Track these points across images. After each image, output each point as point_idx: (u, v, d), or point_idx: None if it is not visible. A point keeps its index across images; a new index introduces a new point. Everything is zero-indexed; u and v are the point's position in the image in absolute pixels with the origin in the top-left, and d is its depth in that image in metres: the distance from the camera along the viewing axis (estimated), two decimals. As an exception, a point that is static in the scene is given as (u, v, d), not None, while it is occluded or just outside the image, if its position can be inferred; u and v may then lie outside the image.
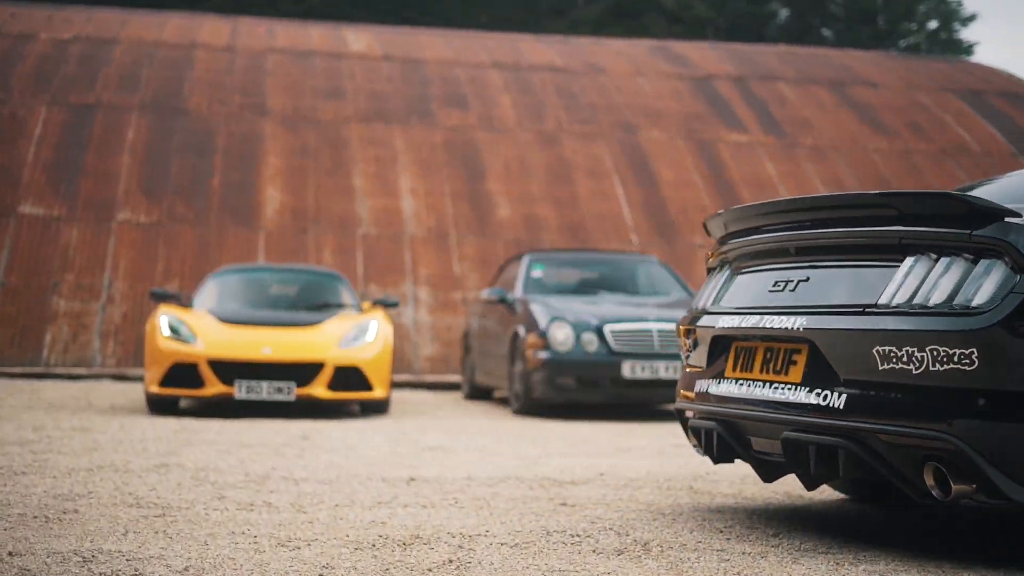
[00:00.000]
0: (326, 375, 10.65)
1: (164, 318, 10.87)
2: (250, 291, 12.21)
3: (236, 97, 20.29)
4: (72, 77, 20.26)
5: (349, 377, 10.73)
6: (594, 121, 21.00)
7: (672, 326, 11.05)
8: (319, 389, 10.60)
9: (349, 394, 10.71)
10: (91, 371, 15.70)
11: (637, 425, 10.43)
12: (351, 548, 4.34)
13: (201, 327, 10.85)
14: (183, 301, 11.89)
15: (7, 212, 17.59)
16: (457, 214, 18.53)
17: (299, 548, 4.31)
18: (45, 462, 6.70)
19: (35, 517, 4.85)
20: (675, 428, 10.06)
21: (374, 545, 4.40)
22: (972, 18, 48.85)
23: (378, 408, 11.05)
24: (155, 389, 10.55)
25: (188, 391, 10.55)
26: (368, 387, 10.81)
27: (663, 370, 10.97)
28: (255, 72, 21.09)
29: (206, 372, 10.51)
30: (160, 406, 10.75)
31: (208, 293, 12.03)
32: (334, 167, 19.04)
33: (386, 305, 12.25)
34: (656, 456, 7.82)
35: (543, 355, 11.11)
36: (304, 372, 10.61)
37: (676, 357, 10.97)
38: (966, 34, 40.35)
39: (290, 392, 10.51)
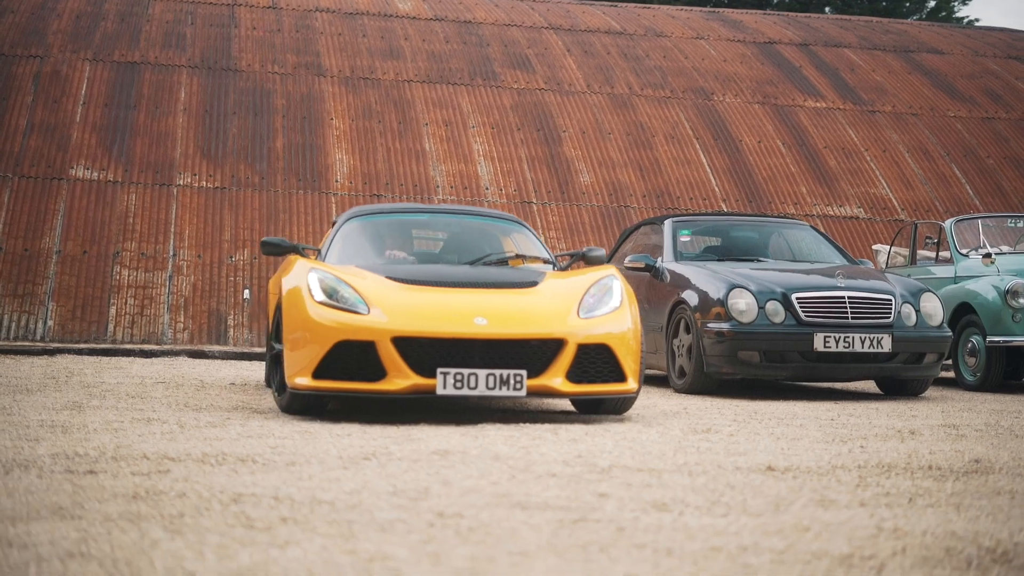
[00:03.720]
0: (566, 358, 6.91)
1: (314, 275, 7.14)
2: (403, 241, 8.74)
3: (290, 57, 19.06)
4: (113, 34, 18.95)
5: (594, 361, 7.05)
6: (666, 85, 19.94)
7: (865, 294, 9.98)
8: (557, 379, 6.86)
9: (595, 386, 7.04)
10: (162, 347, 14.46)
11: (841, 404, 9.38)
12: None
13: (370, 289, 7.10)
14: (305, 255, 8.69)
15: (58, 175, 16.29)
16: (537, 180, 17.43)
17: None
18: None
19: None
20: (885, 403, 9.05)
21: None
22: (974, -6, 48.05)
23: (616, 407, 7.53)
24: (305, 381, 6.83)
25: (361, 385, 6.77)
26: (620, 376, 7.09)
27: (858, 342, 9.89)
28: (305, 31, 19.85)
29: (391, 356, 6.72)
30: (304, 406, 7.17)
31: (345, 243, 8.43)
32: (402, 130, 17.87)
33: (593, 260, 8.48)
34: (976, 436, 6.78)
35: (723, 326, 9.99)
36: (535, 354, 6.90)
37: (871, 328, 9.90)
38: (966, 11, 39.75)
39: (520, 384, 6.76)
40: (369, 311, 6.90)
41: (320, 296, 7.02)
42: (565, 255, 8.76)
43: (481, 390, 6.72)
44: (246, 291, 15.33)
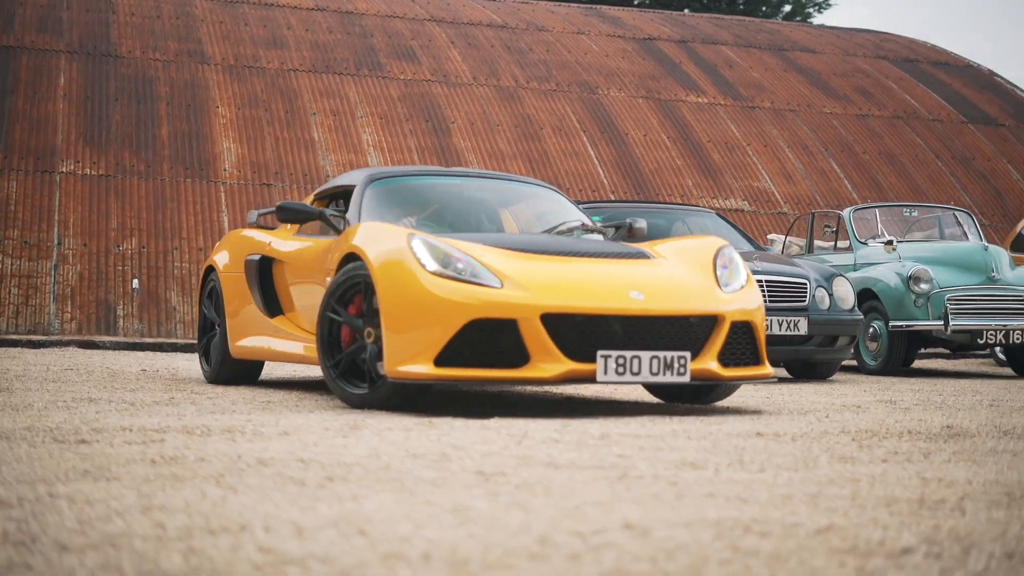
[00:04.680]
0: (720, 338, 6.07)
1: (419, 241, 5.90)
2: (443, 205, 7.46)
3: (171, 43, 18.65)
4: (-15, 17, 18.32)
5: (739, 341, 6.25)
6: (551, 78, 20.02)
7: (781, 277, 10.14)
8: (712, 362, 6.01)
9: (741, 370, 6.20)
10: (50, 337, 14.02)
11: (763, 388, 9.55)
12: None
13: (491, 259, 6.00)
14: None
15: (-67, 161, 15.69)
16: (427, 171, 17.34)
17: None
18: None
19: None
20: (805, 384, 9.20)
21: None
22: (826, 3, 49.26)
23: (714, 396, 6.78)
24: (424, 368, 5.64)
25: (499, 372, 5.68)
26: (758, 358, 6.33)
27: (776, 325, 10.04)
28: (185, 18, 19.45)
29: (538, 337, 5.64)
30: (404, 400, 6.03)
31: (377, 209, 7.09)
32: (290, 119, 17.63)
33: (637, 232, 7.62)
34: (921, 409, 6.93)
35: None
36: (693, 334, 6.02)
37: (787, 311, 10.06)
38: (821, 19, 40.35)
39: (684, 369, 5.87)
40: (503, 284, 5.76)
41: (433, 266, 5.79)
42: (610, 226, 7.64)
43: (644, 375, 5.78)
44: (135, 281, 14.95)
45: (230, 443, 4.39)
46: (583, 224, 7.31)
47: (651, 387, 6.85)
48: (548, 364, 5.62)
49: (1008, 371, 12.65)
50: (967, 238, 12.62)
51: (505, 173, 8.08)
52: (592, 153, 18.40)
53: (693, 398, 6.82)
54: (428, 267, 5.79)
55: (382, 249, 5.98)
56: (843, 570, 2.36)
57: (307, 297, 7.27)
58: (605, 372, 5.68)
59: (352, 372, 6.18)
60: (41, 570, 2.22)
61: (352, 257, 6.19)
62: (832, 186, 19.02)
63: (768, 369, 6.35)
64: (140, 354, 12.85)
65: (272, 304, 7.76)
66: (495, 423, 5.41)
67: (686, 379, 5.87)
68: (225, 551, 2.41)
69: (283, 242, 7.78)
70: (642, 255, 6.46)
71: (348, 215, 7.09)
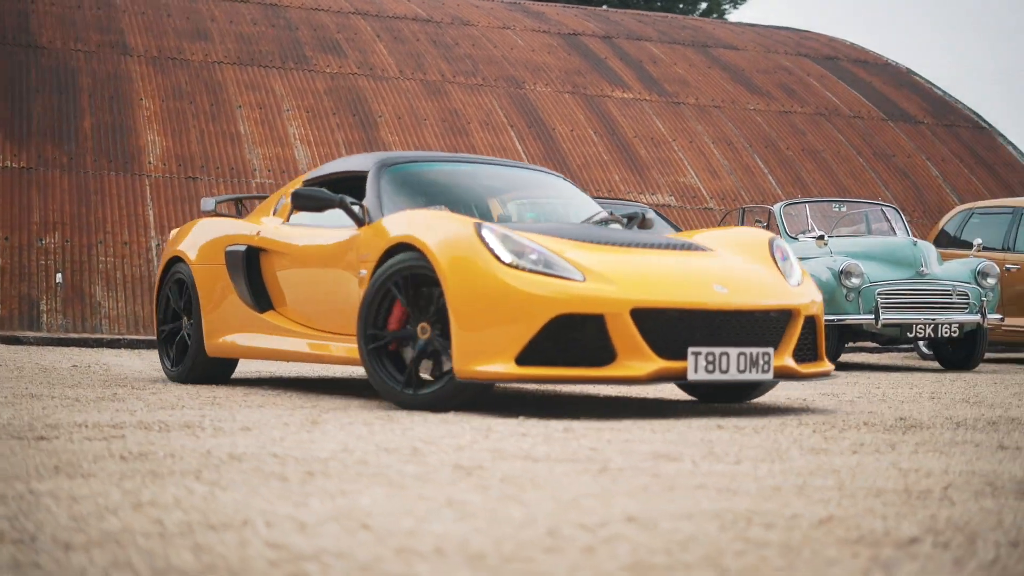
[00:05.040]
0: (794, 333, 5.88)
1: (488, 231, 5.51)
2: (463, 193, 6.98)
3: (93, 34, 18.34)
4: (-100, 5, 17.90)
5: (806, 336, 6.08)
6: (477, 73, 19.98)
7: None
8: (789, 358, 5.84)
9: (809, 366, 6.03)
10: (-29, 332, 13.74)
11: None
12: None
13: (565, 251, 5.65)
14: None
15: None
16: (355, 165, 17.23)
17: None
18: None
19: None
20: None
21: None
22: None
23: (754, 394, 6.54)
24: (505, 368, 5.28)
25: (585, 371, 5.33)
26: (816, 353, 6.17)
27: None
28: (107, 9, 19.13)
29: (627, 333, 5.32)
30: (471, 399, 5.69)
31: (400, 196, 6.67)
32: (215, 112, 17.41)
33: (648, 222, 7.41)
34: (867, 403, 6.99)
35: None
36: (773, 329, 5.81)
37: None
38: (737, 15, 40.52)
39: (767, 366, 5.66)
40: (585, 277, 5.42)
41: (508, 257, 5.41)
42: (623, 216, 7.25)
43: (732, 373, 5.52)
44: (58, 275, 14.69)
45: (193, 439, 4.31)
46: (611, 214, 7.04)
47: (689, 385, 6.43)
48: (637, 362, 5.31)
49: (934, 364, 12.84)
50: (894, 233, 12.79)
51: (506, 159, 7.82)
52: (520, 148, 18.40)
53: (730, 397, 6.54)
54: (503, 258, 5.41)
55: (445, 239, 5.54)
56: (857, 560, 2.36)
57: (315, 291, 6.72)
58: (695, 370, 5.42)
59: (397, 365, 5.78)
60: (51, 569, 2.16)
61: (404, 247, 5.72)
62: (757, 182, 19.19)
63: (829, 365, 6.15)
64: (66, 350, 12.62)
65: (261, 298, 7.20)
66: (455, 417, 5.37)
67: (769, 376, 5.66)
68: (233, 547, 2.35)
69: (277, 232, 7.14)
70: (699, 247, 6.16)
71: (366, 203, 6.57)
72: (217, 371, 7.73)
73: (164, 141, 16.68)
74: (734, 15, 43.93)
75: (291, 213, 7.27)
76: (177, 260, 7.90)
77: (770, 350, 5.63)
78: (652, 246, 5.97)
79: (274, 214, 7.47)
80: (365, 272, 6.02)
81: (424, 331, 5.64)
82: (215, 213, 8.23)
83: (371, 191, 6.66)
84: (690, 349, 5.41)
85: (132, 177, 16.05)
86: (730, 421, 5.39)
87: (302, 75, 18.62)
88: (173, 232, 8.32)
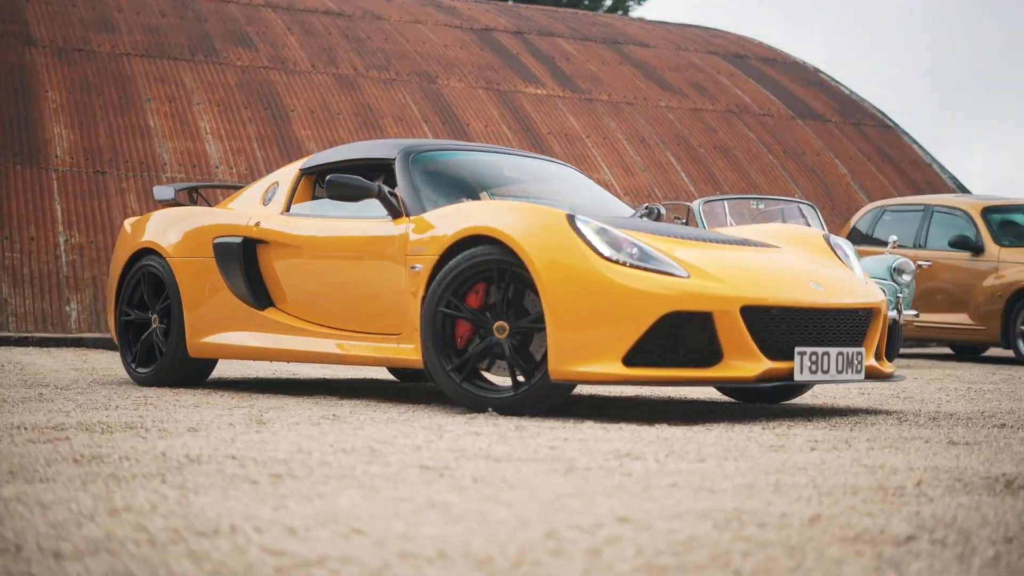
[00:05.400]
0: (877, 331, 5.76)
1: (584, 224, 5.23)
2: (494, 183, 6.76)
3: (-5, 24, 17.88)
4: None
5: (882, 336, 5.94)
6: (390, 68, 19.85)
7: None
8: (873, 358, 5.75)
9: (883, 366, 5.86)
10: None
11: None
12: None
13: (657, 245, 5.38)
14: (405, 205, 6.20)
15: None
16: (268, 159, 17.01)
17: None
18: None
19: None
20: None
21: None
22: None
23: (793, 392, 6.41)
24: (613, 368, 5.01)
25: (692, 372, 5.11)
26: (881, 353, 5.95)
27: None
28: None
29: (736, 332, 5.12)
30: (550, 402, 5.39)
31: (431, 185, 6.29)
32: (124, 105, 17.08)
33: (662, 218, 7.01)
34: (806, 397, 7.04)
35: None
36: (860, 328, 5.65)
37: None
38: (642, 12, 40.75)
39: (860, 367, 5.53)
40: (689, 274, 5.17)
41: (608, 251, 5.14)
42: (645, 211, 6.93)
43: (832, 373, 5.35)
44: (-36, 271, 14.30)
45: (141, 440, 4.20)
46: (647, 208, 6.84)
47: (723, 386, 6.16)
48: (745, 363, 5.09)
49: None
50: (811, 230, 12.91)
51: (517, 149, 7.25)
52: (434, 143, 18.31)
53: (765, 398, 6.40)
54: (603, 252, 5.12)
55: (536, 231, 5.21)
56: (862, 559, 2.35)
57: (337, 285, 6.25)
58: (801, 371, 5.23)
59: (473, 373, 5.47)
60: (46, 580, 2.07)
61: (479, 240, 5.37)
62: (670, 179, 19.31)
63: (887, 367, 5.93)
64: (-26, 348, 12.30)
65: (260, 294, 6.68)
66: (400, 415, 5.31)
67: (861, 376, 5.51)
68: (230, 554, 2.28)
69: (285, 223, 6.64)
70: (766, 244, 5.95)
71: (399, 193, 6.13)
72: (195, 372, 7.16)
73: (71, 134, 16.33)
74: (637, 11, 44.20)
75: (291, 202, 6.79)
76: (147, 252, 7.27)
77: (862, 350, 5.51)
78: (726, 242, 5.74)
79: (266, 204, 6.94)
80: (421, 267, 5.62)
81: (502, 330, 5.33)
82: (175, 202, 7.72)
83: (404, 180, 6.19)
84: (796, 349, 5.22)
85: (38, 171, 15.68)
86: (673, 418, 5.38)
87: (212, 68, 18.35)
88: (130, 222, 7.73)
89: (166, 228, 7.26)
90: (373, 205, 6.21)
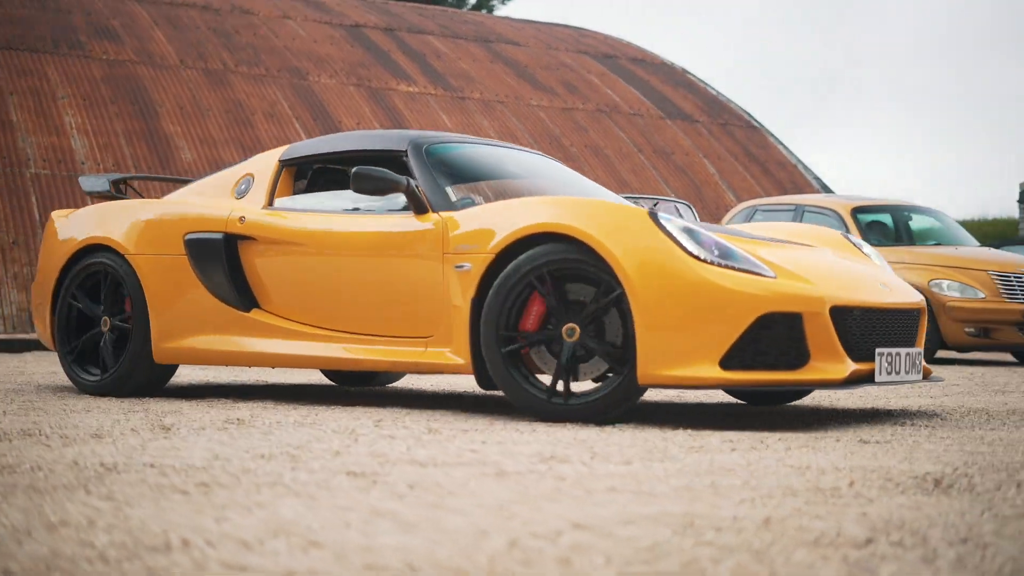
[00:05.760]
0: (922, 331, 5.72)
1: (667, 221, 5.03)
2: (502, 176, 6.56)
3: None
4: None
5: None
6: (260, 63, 19.56)
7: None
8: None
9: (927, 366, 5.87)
10: None
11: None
12: None
13: (737, 244, 5.26)
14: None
15: None
16: (136, 155, 16.64)
17: None
18: None
19: None
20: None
21: None
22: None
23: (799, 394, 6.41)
24: (710, 372, 4.85)
25: (786, 375, 4.94)
26: None
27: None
28: None
29: (824, 334, 4.99)
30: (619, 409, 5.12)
31: (457, 178, 6.12)
32: (-15, 98, 16.56)
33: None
34: (708, 397, 7.10)
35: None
36: (915, 327, 5.63)
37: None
38: (506, 11, 40.92)
39: (919, 366, 5.52)
40: (776, 275, 5.02)
41: (697, 250, 4.95)
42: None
43: (902, 375, 5.29)
44: None
45: (45, 448, 4.05)
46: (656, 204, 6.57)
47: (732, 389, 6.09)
48: (832, 364, 4.96)
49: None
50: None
51: (508, 143, 6.89)
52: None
53: (770, 400, 6.37)
54: (691, 251, 4.92)
55: (618, 228, 4.98)
56: (831, 564, 2.34)
57: (348, 286, 5.87)
58: (880, 372, 5.15)
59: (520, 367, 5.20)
60: (4, 603, 1.95)
61: (546, 237, 5.13)
62: (542, 177, 19.37)
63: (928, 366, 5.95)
64: None
65: (244, 295, 6.26)
66: (305, 419, 5.21)
67: (920, 377, 5.47)
68: (191, 570, 2.18)
69: (278, 218, 6.22)
70: (804, 243, 5.88)
71: (420, 186, 5.77)
72: (158, 379, 6.65)
73: (-71, 128, 15.78)
74: (502, 11, 44.29)
75: (273, 195, 6.40)
76: (97, 249, 6.69)
77: (921, 350, 5.51)
78: (778, 242, 5.65)
79: (239, 197, 6.51)
80: (470, 266, 5.33)
81: (572, 333, 5.10)
82: (110, 195, 7.16)
83: (423, 174, 5.83)
84: (877, 350, 5.16)
85: None
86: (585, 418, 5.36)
87: (77, 61, 17.88)
88: (61, 215, 7.10)
89: (120, 222, 6.65)
90: (384, 200, 5.96)
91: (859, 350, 5.12)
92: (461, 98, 20.57)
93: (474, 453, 4.02)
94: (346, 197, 6.16)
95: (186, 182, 7.38)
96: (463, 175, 6.16)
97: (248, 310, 6.23)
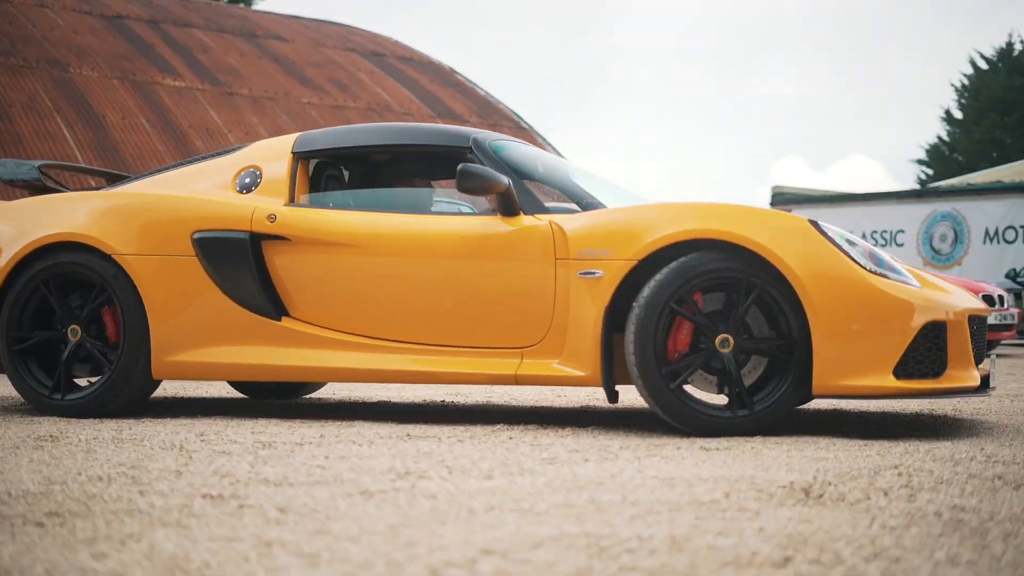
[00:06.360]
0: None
1: (829, 229, 5.03)
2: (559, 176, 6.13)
3: None
4: None
5: None
6: (17, 53, 18.64)
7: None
8: None
9: None
10: None
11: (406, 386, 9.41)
12: None
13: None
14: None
15: None
16: None
17: None
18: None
19: None
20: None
21: None
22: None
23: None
24: (885, 381, 4.83)
25: (940, 383, 4.94)
26: None
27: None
28: None
29: (962, 342, 5.03)
30: (770, 422, 5.00)
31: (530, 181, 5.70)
32: None
33: None
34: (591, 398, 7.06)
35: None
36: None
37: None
38: (264, 6, 40.39)
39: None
40: (920, 284, 5.07)
41: (861, 260, 4.94)
42: None
43: (997, 380, 5.48)
44: None
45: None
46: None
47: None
48: (965, 372, 5.02)
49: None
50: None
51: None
52: (68, 136, 17.33)
53: None
54: (859, 261, 4.91)
55: (784, 237, 4.89)
56: (762, 586, 2.30)
57: (415, 293, 5.42)
58: (992, 378, 5.26)
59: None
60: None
61: (700, 244, 4.95)
62: (315, 176, 19.09)
63: None
64: None
65: (275, 302, 5.66)
66: (119, 434, 4.93)
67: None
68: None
69: (324, 218, 5.64)
70: None
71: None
72: (142, 396, 5.89)
73: None
74: (260, 5, 43.55)
75: (294, 191, 5.79)
76: (64, 248, 5.86)
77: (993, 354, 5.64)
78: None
79: (242, 191, 5.86)
80: (602, 272, 5.05)
81: (726, 343, 4.97)
82: (41, 184, 6.31)
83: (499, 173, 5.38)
84: (987, 356, 5.32)
85: None
86: (412, 428, 5.24)
87: None
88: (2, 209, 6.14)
89: (99, 217, 5.84)
90: (430, 197, 5.69)
91: (978, 357, 5.27)
92: (230, 94, 20.07)
93: (323, 470, 3.86)
94: (384, 195, 5.84)
95: (115, 175, 6.61)
96: (527, 175, 5.69)
97: (279, 318, 5.64)
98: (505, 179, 5.25)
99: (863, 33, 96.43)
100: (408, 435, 4.94)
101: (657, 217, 5.06)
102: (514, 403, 6.80)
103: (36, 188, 6.37)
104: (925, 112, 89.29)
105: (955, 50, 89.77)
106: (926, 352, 4.91)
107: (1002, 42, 53.82)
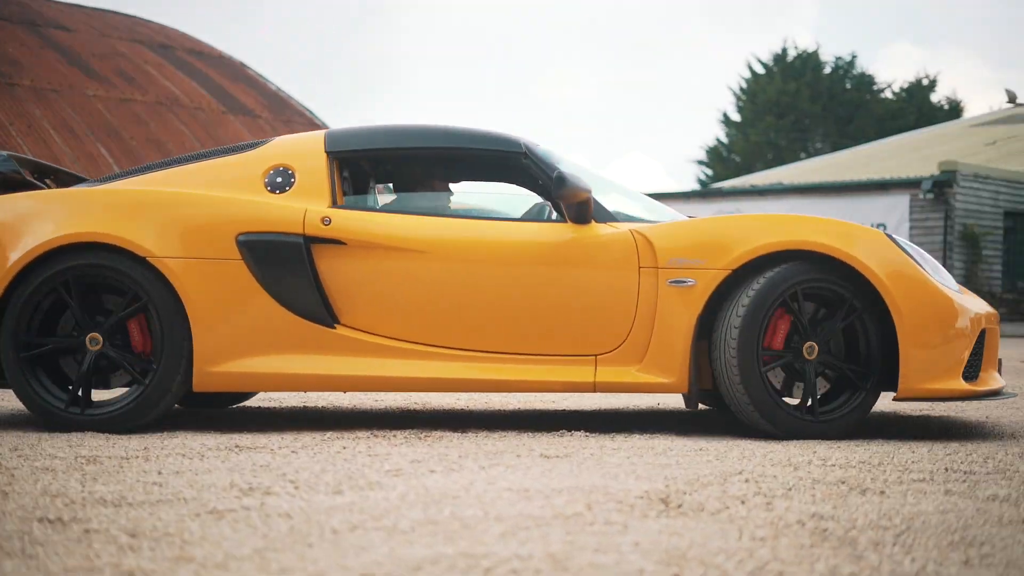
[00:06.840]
0: None
1: (902, 242, 5.35)
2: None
3: None
4: None
5: None
6: None
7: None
8: None
9: None
10: None
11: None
12: None
13: None
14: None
15: None
16: None
17: None
18: None
19: None
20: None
21: None
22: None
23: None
24: (958, 384, 5.16)
25: (973, 386, 5.26)
26: None
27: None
28: None
29: (993, 348, 5.48)
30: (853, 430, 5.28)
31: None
32: None
33: None
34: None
35: None
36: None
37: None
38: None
39: None
40: (959, 289, 5.44)
41: (928, 269, 5.28)
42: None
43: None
44: None
45: None
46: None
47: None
48: (993, 376, 5.43)
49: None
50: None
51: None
52: None
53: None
54: (927, 270, 5.21)
55: (868, 249, 5.15)
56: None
57: (486, 299, 5.32)
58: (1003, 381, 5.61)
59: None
60: None
61: (789, 255, 5.16)
62: (102, 172, 18.46)
63: None
64: None
65: (329, 308, 5.38)
66: (105, 448, 4.61)
67: None
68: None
69: (384, 222, 5.43)
70: None
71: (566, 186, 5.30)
72: (169, 410, 5.49)
73: None
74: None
75: (335, 193, 5.53)
76: (87, 248, 5.32)
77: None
78: None
79: (275, 191, 5.51)
80: (695, 281, 5.16)
81: (811, 351, 5.18)
82: (20, 177, 5.65)
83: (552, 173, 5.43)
84: (1000, 360, 5.62)
85: None
86: (238, 438, 5.07)
87: None
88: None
89: (127, 215, 5.36)
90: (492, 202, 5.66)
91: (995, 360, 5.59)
92: (10, 84, 19.26)
93: (160, 487, 3.68)
94: (434, 199, 5.77)
95: (78, 178, 6.04)
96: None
97: (333, 325, 5.36)
98: (590, 187, 5.29)
99: (644, 35, 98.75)
100: (237, 446, 4.77)
101: (746, 228, 5.25)
102: (332, 407, 6.66)
103: (14, 183, 5.71)
104: (703, 114, 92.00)
105: (733, 54, 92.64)
106: (973, 357, 5.27)
107: (778, 48, 55.82)
